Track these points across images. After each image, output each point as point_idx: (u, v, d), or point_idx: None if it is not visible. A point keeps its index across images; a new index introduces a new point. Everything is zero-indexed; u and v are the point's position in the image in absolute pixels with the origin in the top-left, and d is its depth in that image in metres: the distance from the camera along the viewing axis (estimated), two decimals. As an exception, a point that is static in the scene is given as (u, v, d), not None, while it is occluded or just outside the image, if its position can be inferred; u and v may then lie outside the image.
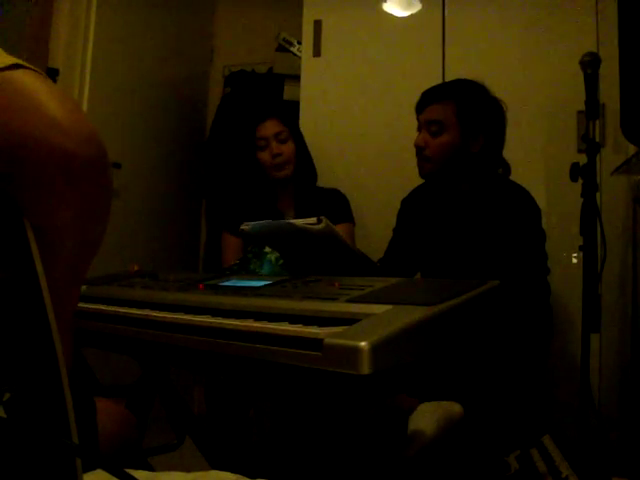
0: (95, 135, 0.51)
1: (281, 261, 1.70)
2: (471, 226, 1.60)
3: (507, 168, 1.66)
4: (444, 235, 1.66)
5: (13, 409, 0.42)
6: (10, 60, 0.49)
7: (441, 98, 1.60)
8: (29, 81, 0.49)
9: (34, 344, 0.47)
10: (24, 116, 0.47)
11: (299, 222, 1.32)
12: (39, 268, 0.48)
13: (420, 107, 1.64)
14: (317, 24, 2.35)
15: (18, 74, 0.49)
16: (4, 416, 0.41)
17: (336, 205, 1.99)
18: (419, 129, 1.64)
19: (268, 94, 2.74)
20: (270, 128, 1.98)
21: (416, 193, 1.80)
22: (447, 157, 1.58)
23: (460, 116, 1.57)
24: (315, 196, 1.99)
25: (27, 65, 0.50)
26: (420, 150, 1.61)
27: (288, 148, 1.97)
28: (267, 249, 1.71)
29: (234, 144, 2.70)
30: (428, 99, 1.62)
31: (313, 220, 1.31)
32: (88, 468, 0.56)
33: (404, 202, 1.81)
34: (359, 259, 1.48)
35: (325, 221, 1.29)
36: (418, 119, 1.64)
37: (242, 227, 1.41)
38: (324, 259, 1.46)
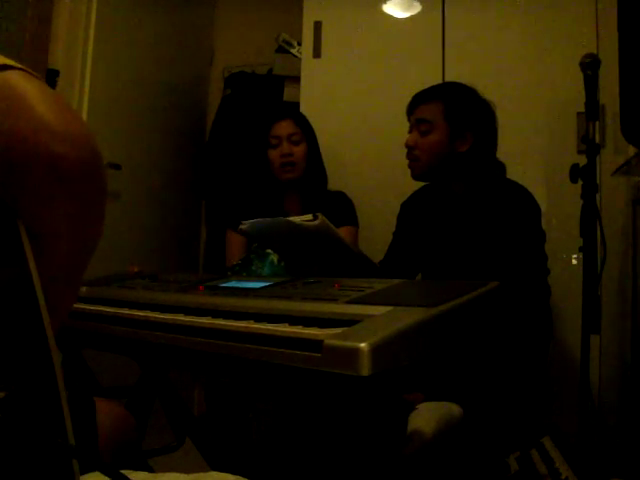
0: (86, 136, 0.50)
1: (283, 262, 1.70)
2: (470, 227, 1.60)
3: (502, 169, 1.67)
4: (444, 237, 1.66)
5: (8, 409, 0.42)
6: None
7: (429, 98, 1.64)
8: (18, 82, 0.48)
9: (29, 345, 0.46)
10: (14, 120, 0.47)
11: (296, 219, 1.33)
12: (33, 270, 0.48)
13: (410, 108, 1.68)
14: (317, 25, 2.36)
15: (7, 75, 0.48)
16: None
17: (341, 208, 2.00)
18: (410, 130, 1.67)
19: (268, 95, 2.74)
20: (285, 128, 1.99)
21: (415, 196, 1.81)
22: (435, 157, 1.61)
23: (448, 116, 1.60)
24: (322, 199, 1.99)
25: (17, 65, 0.49)
26: (410, 150, 1.64)
27: (299, 150, 1.98)
28: (270, 250, 1.71)
29: (234, 145, 2.70)
30: (417, 100, 1.67)
31: (309, 217, 1.31)
32: (85, 470, 0.56)
33: (404, 206, 1.83)
34: (357, 257, 1.48)
35: (321, 217, 1.30)
36: (409, 120, 1.68)
37: (240, 227, 1.41)
38: (322, 257, 1.47)
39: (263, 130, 2.03)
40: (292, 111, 2.07)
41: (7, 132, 0.46)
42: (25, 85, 0.48)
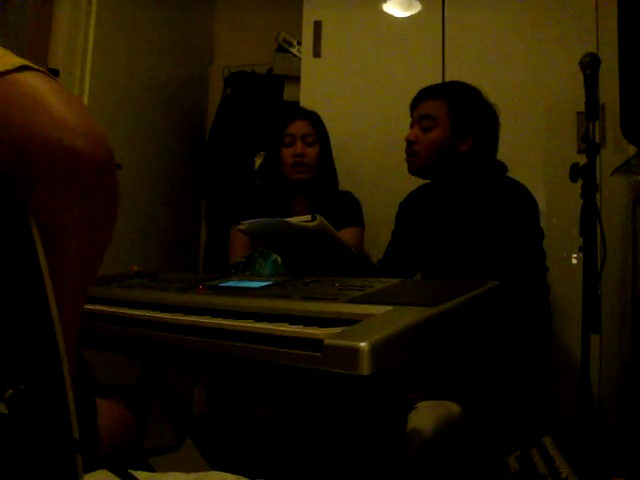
0: (102, 136, 0.51)
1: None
2: (468, 225, 1.60)
3: (503, 169, 1.67)
4: (442, 235, 1.66)
5: (15, 406, 0.42)
6: (19, 62, 0.50)
7: (435, 95, 1.64)
8: (37, 83, 0.50)
9: (37, 342, 0.47)
10: (33, 117, 0.48)
11: (294, 220, 1.33)
12: (43, 266, 0.49)
13: (414, 103, 1.68)
14: (317, 25, 2.36)
15: (26, 76, 0.49)
16: (6, 412, 0.42)
17: (347, 209, 2.00)
18: (412, 125, 1.67)
19: (268, 95, 2.74)
20: (300, 128, 1.99)
21: (414, 195, 1.81)
22: (435, 154, 1.61)
23: (452, 114, 1.60)
24: (330, 199, 1.99)
25: (35, 67, 0.51)
26: (410, 145, 1.64)
27: (312, 152, 1.98)
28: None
29: (234, 145, 2.70)
30: (423, 96, 1.66)
31: (308, 218, 1.31)
32: (90, 468, 0.56)
33: (402, 205, 1.83)
34: (356, 257, 1.48)
35: (319, 219, 1.30)
36: (412, 115, 1.68)
37: (239, 227, 1.42)
38: (321, 257, 1.46)
39: (278, 127, 2.03)
40: (309, 112, 2.07)
41: (28, 130, 0.48)
42: (44, 85, 0.50)
